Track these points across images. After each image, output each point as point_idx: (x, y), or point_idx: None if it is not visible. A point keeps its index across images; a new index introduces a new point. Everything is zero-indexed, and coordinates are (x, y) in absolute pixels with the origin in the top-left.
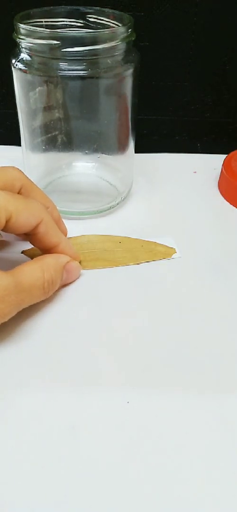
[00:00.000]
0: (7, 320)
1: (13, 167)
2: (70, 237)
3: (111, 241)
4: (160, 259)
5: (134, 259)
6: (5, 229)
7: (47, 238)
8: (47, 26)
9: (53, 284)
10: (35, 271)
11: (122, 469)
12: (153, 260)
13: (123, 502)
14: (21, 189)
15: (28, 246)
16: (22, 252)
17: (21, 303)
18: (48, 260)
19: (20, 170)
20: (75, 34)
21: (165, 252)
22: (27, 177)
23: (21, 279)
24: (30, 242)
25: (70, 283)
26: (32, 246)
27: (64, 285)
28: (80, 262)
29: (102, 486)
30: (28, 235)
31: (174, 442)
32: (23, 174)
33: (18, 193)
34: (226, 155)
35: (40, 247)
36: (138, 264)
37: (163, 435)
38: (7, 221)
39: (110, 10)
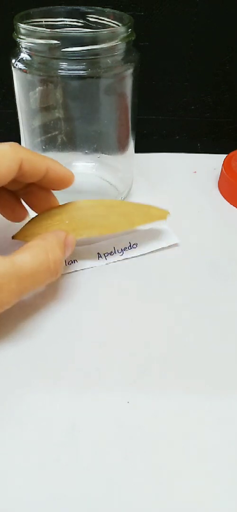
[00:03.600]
0: (6, 308)
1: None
2: (56, 207)
3: (102, 205)
4: (155, 221)
5: (130, 224)
6: None
7: (33, 171)
8: (47, 26)
9: (60, 263)
10: (38, 254)
11: (122, 469)
12: (149, 223)
13: (123, 502)
14: None
15: (16, 229)
16: (13, 237)
17: (23, 291)
18: (50, 239)
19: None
20: (75, 34)
21: (159, 215)
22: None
23: (22, 264)
24: (21, 195)
25: (71, 278)
26: (20, 228)
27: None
28: (74, 231)
29: (102, 485)
30: (17, 188)
31: (174, 442)
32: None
33: None
34: (226, 155)
35: (29, 181)
36: (134, 228)
37: (163, 435)
38: None
39: (110, 10)
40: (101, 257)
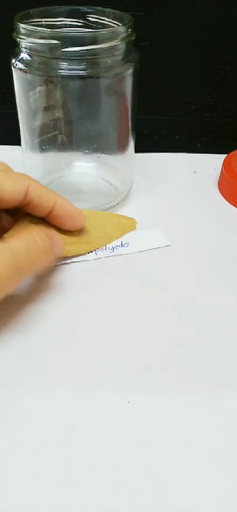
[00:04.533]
0: (7, 291)
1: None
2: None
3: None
4: (127, 232)
5: (108, 238)
6: None
7: (41, 201)
8: (47, 26)
9: (49, 245)
10: (25, 236)
11: (122, 469)
12: (123, 235)
13: (123, 502)
14: None
15: None
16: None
17: (20, 266)
18: (34, 228)
19: (6, 163)
20: (75, 33)
21: (129, 225)
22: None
23: (14, 245)
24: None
25: (64, 276)
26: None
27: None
28: (64, 246)
29: (102, 486)
30: (21, 207)
31: (174, 442)
32: (9, 167)
33: None
34: (226, 155)
35: (37, 214)
36: (111, 242)
37: (163, 435)
38: None
39: (111, 10)
40: (91, 251)
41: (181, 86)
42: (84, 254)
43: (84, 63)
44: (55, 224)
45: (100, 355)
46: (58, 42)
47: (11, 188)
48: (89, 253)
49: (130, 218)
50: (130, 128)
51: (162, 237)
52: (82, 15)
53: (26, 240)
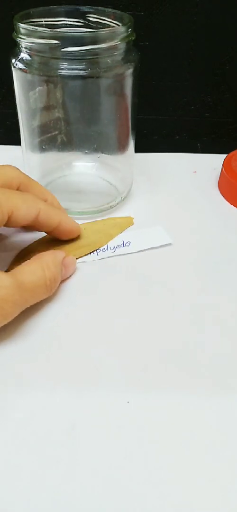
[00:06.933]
0: (10, 320)
1: (10, 165)
2: (39, 243)
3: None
4: (126, 228)
5: (108, 237)
6: (8, 223)
7: (48, 222)
8: (47, 26)
9: (55, 281)
10: (36, 270)
11: (122, 469)
12: (122, 231)
13: (123, 502)
14: (20, 186)
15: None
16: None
17: (24, 303)
18: (46, 258)
19: (17, 168)
20: (75, 33)
21: (127, 222)
22: (24, 174)
23: (23, 279)
24: (34, 229)
25: (67, 278)
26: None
27: (62, 282)
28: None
29: (102, 486)
30: (31, 225)
31: (174, 442)
32: (20, 171)
33: (17, 189)
34: (226, 155)
35: (44, 231)
36: (112, 239)
37: (163, 435)
38: (9, 216)
39: (111, 10)
40: (93, 252)
41: (181, 86)
42: (86, 255)
43: (84, 63)
44: (52, 235)
45: (100, 355)
46: (58, 42)
47: (24, 214)
48: (90, 253)
49: (126, 217)
50: (130, 128)
51: (164, 235)
52: (82, 15)
53: (35, 275)
